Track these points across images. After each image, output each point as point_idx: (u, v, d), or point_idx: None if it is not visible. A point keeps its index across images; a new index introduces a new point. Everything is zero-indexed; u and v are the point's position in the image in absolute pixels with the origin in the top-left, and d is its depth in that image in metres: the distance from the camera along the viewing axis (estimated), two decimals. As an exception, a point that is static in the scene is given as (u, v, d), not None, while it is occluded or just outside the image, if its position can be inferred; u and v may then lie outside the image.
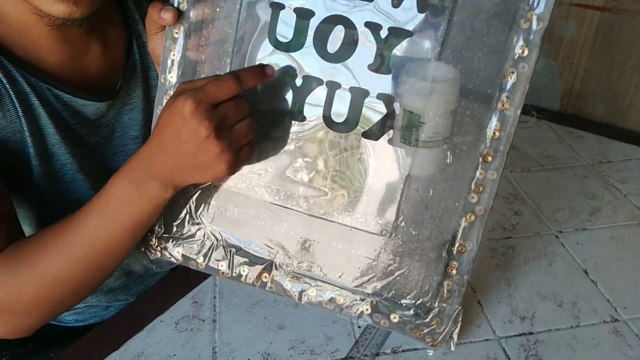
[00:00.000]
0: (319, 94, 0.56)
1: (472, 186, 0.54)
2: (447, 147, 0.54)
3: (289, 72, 0.56)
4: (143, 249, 0.63)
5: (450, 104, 0.53)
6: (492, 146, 0.53)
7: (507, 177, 0.91)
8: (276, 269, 0.61)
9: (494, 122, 0.52)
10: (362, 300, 0.59)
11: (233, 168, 0.52)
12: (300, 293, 0.60)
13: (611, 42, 1.06)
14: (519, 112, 0.52)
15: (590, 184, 0.89)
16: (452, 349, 0.58)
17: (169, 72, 0.59)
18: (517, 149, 0.97)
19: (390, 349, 0.61)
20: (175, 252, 0.63)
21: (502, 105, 0.52)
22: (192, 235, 0.62)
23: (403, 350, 0.61)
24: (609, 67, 1.08)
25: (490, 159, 0.53)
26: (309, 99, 0.56)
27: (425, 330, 0.58)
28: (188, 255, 0.62)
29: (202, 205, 0.61)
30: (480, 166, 0.54)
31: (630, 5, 1.02)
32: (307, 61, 0.55)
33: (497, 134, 0.53)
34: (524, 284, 0.70)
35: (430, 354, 0.60)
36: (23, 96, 0.59)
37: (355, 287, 0.59)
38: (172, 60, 0.58)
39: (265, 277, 0.61)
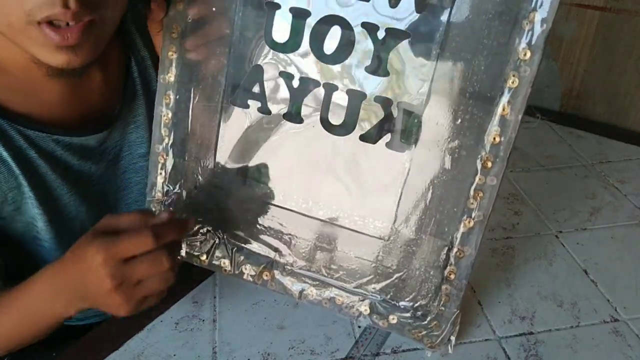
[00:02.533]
0: (316, 96, 0.55)
1: (471, 192, 0.53)
2: (446, 151, 0.53)
3: (285, 73, 0.56)
4: None
5: (448, 105, 0.53)
6: (492, 151, 0.52)
7: (507, 177, 0.90)
8: (277, 268, 0.61)
9: (494, 127, 0.51)
10: (361, 301, 0.59)
11: (131, 313, 0.53)
12: (301, 292, 0.61)
13: (611, 42, 1.06)
14: (520, 116, 0.50)
15: (590, 184, 0.89)
16: (450, 351, 0.58)
17: (167, 72, 0.59)
18: (517, 149, 0.96)
19: (390, 349, 0.61)
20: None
21: (503, 109, 0.50)
22: (195, 233, 0.63)
23: (403, 350, 0.61)
24: (609, 67, 1.08)
25: (490, 164, 0.52)
26: (306, 101, 0.56)
27: (424, 332, 0.58)
28: (191, 252, 0.63)
29: (204, 204, 0.61)
30: (479, 172, 0.53)
31: (630, 5, 1.02)
32: (303, 62, 0.55)
33: (497, 139, 0.51)
34: (524, 284, 0.70)
35: (429, 355, 0.60)
36: (20, 152, 0.59)
37: (355, 287, 0.59)
38: (171, 60, 0.58)
39: (267, 275, 0.61)
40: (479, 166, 0.53)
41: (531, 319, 0.65)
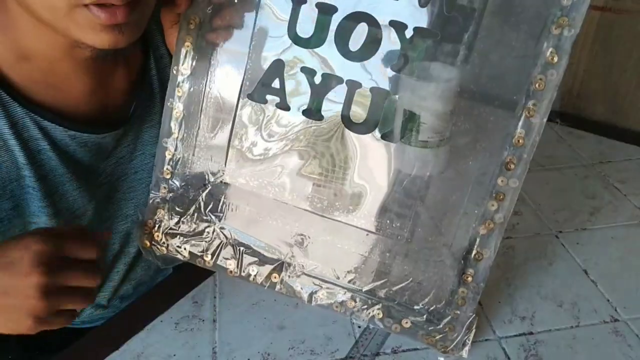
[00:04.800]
0: (338, 93, 0.54)
1: (493, 194, 0.53)
2: (469, 152, 0.53)
3: (307, 69, 0.55)
4: (149, 244, 0.63)
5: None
6: (516, 154, 0.51)
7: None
8: (286, 269, 0.60)
9: (518, 130, 0.51)
10: (374, 304, 0.58)
11: (34, 330, 0.47)
12: (311, 295, 0.59)
13: (611, 42, 1.06)
14: (545, 120, 0.50)
15: (590, 184, 0.89)
16: (465, 356, 0.58)
17: (182, 64, 0.57)
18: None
19: (390, 349, 0.61)
20: (182, 249, 0.62)
21: (528, 112, 0.50)
22: (201, 233, 0.62)
23: (403, 350, 0.61)
24: (609, 67, 1.08)
25: (512, 166, 0.52)
26: (327, 98, 0.55)
27: (438, 337, 0.57)
28: (195, 252, 0.62)
29: (212, 202, 0.60)
30: (502, 174, 0.52)
31: (630, 5, 1.02)
32: (327, 58, 0.54)
33: (521, 141, 0.51)
34: (524, 284, 0.70)
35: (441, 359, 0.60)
36: (31, 143, 0.58)
37: (367, 291, 0.58)
38: (186, 52, 0.57)
39: (275, 277, 0.60)
40: (502, 168, 0.52)
41: (531, 319, 0.65)
